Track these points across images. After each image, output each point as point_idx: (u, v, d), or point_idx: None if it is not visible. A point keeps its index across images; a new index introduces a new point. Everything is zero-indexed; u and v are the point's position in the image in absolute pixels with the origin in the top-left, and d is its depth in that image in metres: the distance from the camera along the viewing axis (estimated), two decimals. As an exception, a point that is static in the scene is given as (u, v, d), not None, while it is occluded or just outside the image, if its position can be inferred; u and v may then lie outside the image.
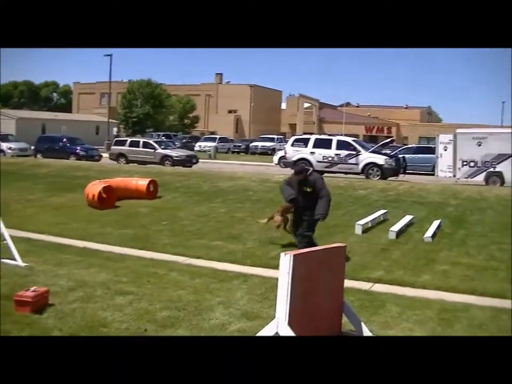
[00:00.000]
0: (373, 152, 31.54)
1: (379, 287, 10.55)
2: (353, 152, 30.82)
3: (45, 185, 23.89)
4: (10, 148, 46.75)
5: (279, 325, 5.89)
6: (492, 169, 29.17)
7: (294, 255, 6.02)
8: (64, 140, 45.09)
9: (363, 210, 18.37)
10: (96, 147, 47.15)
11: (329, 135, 36.08)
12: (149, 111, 78.90)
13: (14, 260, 10.86)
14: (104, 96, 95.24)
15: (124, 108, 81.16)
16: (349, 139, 33.48)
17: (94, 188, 19.14)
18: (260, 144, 69.71)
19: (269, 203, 18.92)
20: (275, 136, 74.08)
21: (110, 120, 74.45)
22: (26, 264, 10.87)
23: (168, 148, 40.95)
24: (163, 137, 59.21)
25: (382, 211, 17.38)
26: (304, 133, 63.94)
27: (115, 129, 77.40)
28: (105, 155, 43.62)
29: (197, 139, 74.22)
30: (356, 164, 30.61)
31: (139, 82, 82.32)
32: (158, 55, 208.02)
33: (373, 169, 30.28)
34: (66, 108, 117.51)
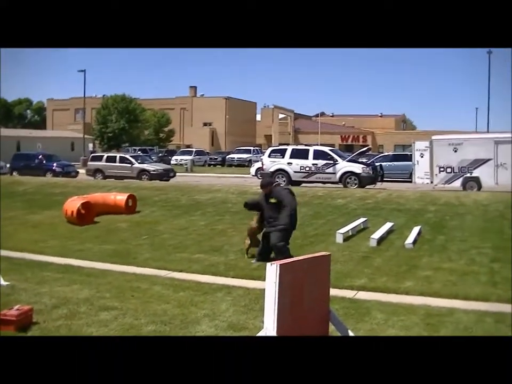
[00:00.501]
0: (350, 161, 31.59)
1: (363, 295, 10.56)
2: (331, 162, 30.91)
3: (23, 203, 23.70)
4: (-15, 167, 46.35)
5: (267, 335, 5.87)
6: (468, 175, 29.34)
7: (280, 265, 6.01)
8: (40, 156, 44.90)
9: (343, 219, 18.41)
10: (72, 163, 46.95)
11: (306, 145, 36.13)
12: (124, 126, 78.65)
13: (-5, 278, 10.75)
14: (79, 112, 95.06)
15: (98, 123, 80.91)
16: (326, 149, 33.63)
17: (73, 204, 19.02)
18: (236, 156, 69.67)
19: (248, 215, 18.76)
20: (251, 148, 74.16)
21: (85, 136, 74.17)
22: (7, 282, 10.77)
23: (145, 162, 40.83)
24: (139, 152, 59.04)
25: (362, 219, 17.41)
26: (280, 144, 63.94)
27: (91, 145, 77.23)
28: (81, 171, 43.43)
29: (173, 153, 74.30)
30: (334, 173, 30.70)
31: (113, 97, 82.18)
32: (132, 70, 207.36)
33: (350, 178, 30.38)
34: (41, 125, 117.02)
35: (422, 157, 31.16)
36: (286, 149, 33.08)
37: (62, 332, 8.05)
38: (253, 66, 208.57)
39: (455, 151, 29.85)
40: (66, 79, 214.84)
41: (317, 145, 43.10)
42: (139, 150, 65.55)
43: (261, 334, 5.89)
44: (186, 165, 57.50)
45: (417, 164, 31.45)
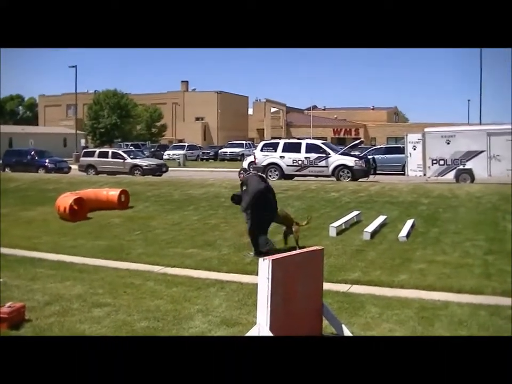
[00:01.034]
0: (343, 154, 31.59)
1: (357, 289, 10.52)
2: (323, 155, 30.87)
3: (16, 199, 23.59)
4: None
5: (260, 331, 5.85)
6: (461, 167, 29.36)
7: (272, 260, 5.99)
8: (32, 153, 44.84)
9: (336, 212, 18.39)
10: (65, 159, 46.82)
11: (298, 138, 36.08)
12: (116, 121, 78.62)
13: (-13, 276, 10.71)
14: (71, 108, 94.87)
15: (90, 119, 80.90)
16: (318, 142, 33.58)
17: (65, 200, 18.95)
18: (228, 150, 69.60)
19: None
20: (244, 142, 74.03)
21: (78, 131, 74.03)
22: (0, 279, 10.71)
23: (138, 157, 40.72)
24: (131, 147, 58.88)
25: (355, 212, 17.39)
26: (273, 138, 63.88)
27: (83, 141, 77.05)
28: (74, 167, 43.31)
29: (165, 148, 74.13)
30: (326, 167, 30.67)
31: (105, 92, 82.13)
32: (123, 65, 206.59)
33: (343, 171, 30.35)
34: (33, 121, 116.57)
35: (414, 149, 31.11)
36: (278, 143, 32.99)
37: (55, 329, 8.02)
38: (244, 60, 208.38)
39: (448, 143, 29.85)
40: (57, 75, 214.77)
41: (309, 138, 43.03)
42: (131, 145, 65.37)
43: (254, 329, 5.87)
44: (178, 159, 57.38)
45: (410, 156, 31.40)
